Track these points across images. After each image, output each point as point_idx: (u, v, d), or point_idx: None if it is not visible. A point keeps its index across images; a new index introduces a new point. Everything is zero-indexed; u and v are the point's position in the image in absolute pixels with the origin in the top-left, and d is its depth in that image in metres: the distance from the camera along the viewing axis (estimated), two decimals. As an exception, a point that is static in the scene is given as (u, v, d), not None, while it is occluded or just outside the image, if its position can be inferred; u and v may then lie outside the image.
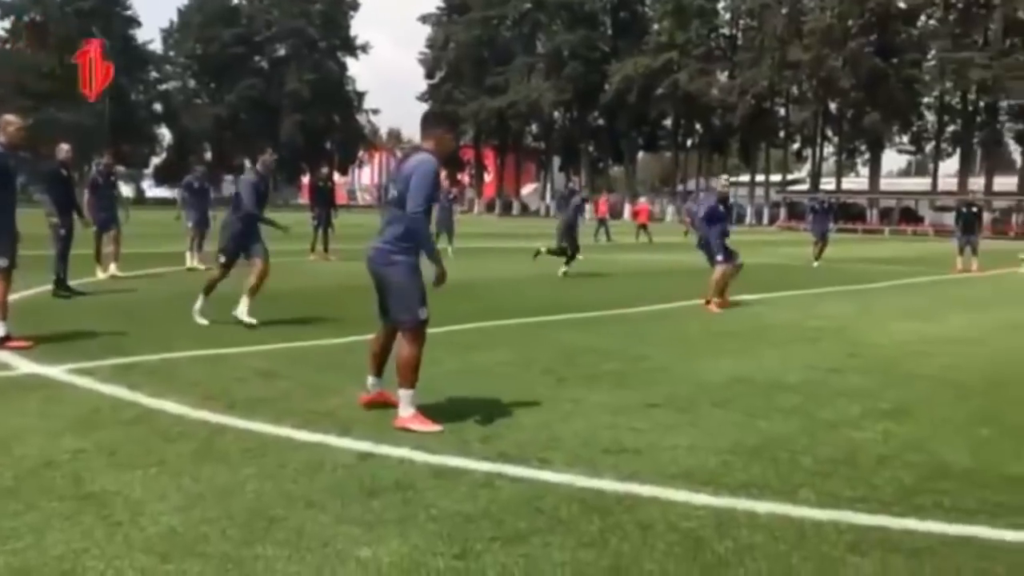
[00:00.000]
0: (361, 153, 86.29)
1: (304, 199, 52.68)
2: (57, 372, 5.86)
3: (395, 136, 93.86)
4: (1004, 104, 57.25)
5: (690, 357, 7.26)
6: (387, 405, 4.89)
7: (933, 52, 57.29)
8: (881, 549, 3.19)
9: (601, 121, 72.25)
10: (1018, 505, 3.72)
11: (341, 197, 74.47)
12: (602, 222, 30.21)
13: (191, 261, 14.50)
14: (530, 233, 34.25)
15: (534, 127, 76.78)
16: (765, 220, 60.45)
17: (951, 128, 60.57)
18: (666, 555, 3.10)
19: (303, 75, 75.74)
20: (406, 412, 4.68)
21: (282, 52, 79.78)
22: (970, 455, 4.45)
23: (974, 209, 19.72)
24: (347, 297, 10.23)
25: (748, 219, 60.92)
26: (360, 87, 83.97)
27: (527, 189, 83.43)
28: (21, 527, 3.19)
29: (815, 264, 19.08)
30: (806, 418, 5.18)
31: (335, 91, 78.58)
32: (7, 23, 67.82)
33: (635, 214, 34.82)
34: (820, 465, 4.22)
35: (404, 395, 4.70)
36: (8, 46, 65.63)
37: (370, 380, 5.05)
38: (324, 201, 18.33)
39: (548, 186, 76.79)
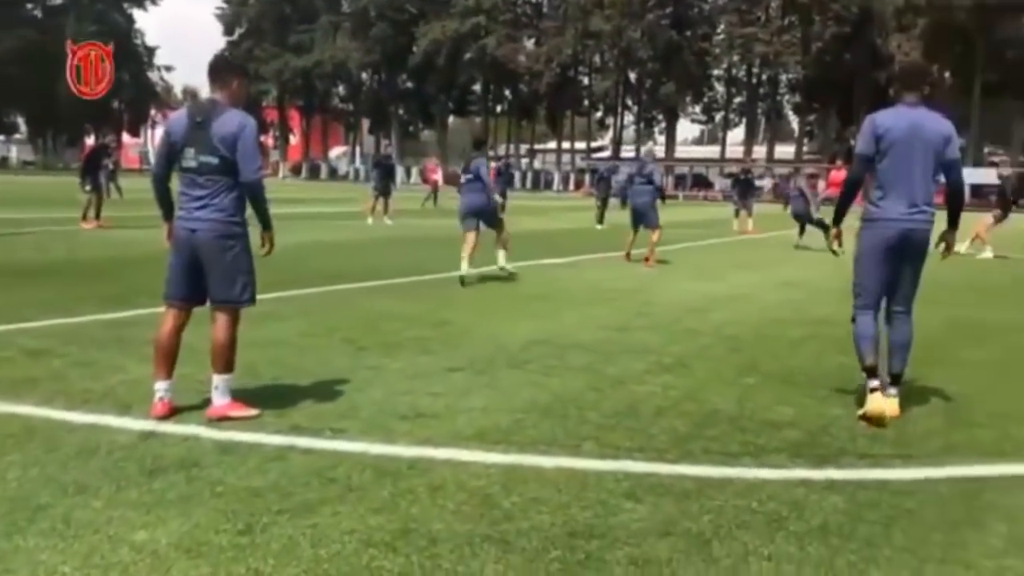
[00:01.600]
0: (154, 112, 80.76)
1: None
2: None
3: (191, 94, 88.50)
4: (784, 78, 62.10)
5: (492, 321, 7.42)
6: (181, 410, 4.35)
7: (722, 27, 61.06)
8: (654, 494, 3.43)
9: (410, 84, 71.62)
10: (774, 446, 4.10)
11: (132, 160, 69.66)
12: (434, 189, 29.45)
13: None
14: (338, 198, 33.55)
15: (341, 88, 74.96)
16: (571, 186, 62.47)
17: (738, 99, 64.96)
18: (454, 514, 3.18)
19: (84, 26, 69.55)
20: (222, 400, 4.27)
21: (58, 0, 72.86)
22: (736, 403, 4.86)
23: (749, 176, 21.43)
24: (127, 269, 9.63)
25: (556, 185, 62.72)
26: (150, 42, 78.40)
27: (335, 152, 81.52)
28: None
29: (598, 227, 20.31)
30: (595, 375, 5.45)
31: (122, 45, 72.74)
32: None
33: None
34: (604, 419, 4.46)
35: (223, 381, 4.27)
36: None
37: (162, 386, 4.25)
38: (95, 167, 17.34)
39: (358, 149, 75.42)
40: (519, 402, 4.73)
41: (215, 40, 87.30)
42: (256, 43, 71.44)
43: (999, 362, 6.33)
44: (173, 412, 4.25)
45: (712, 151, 68.83)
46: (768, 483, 3.60)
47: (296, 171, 73.95)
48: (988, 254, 15.01)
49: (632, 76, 64.62)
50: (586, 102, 67.79)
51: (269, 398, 4.62)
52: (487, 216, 10.19)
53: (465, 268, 9.55)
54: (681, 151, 69.55)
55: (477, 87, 69.99)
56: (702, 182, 60.80)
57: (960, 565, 2.87)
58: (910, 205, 4.62)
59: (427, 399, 4.73)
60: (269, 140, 76.81)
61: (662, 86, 61.38)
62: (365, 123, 75.14)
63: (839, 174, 19.33)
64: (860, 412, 4.54)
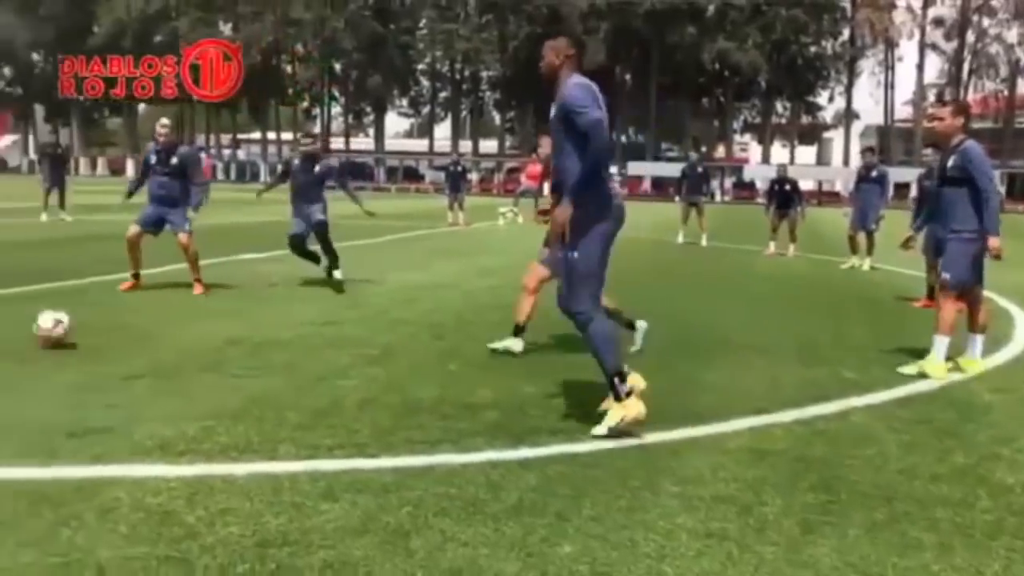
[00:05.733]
0: None
1: None
2: None
3: None
4: (485, 74, 64.54)
5: (178, 323, 6.86)
6: None
7: (424, 22, 62.15)
8: (352, 491, 3.31)
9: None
10: (474, 430, 4.15)
11: None
12: None
13: None
14: (4, 193, 29.72)
15: (6, 70, 66.41)
16: (278, 178, 60.37)
17: (443, 94, 66.51)
18: (127, 538, 2.84)
19: None
20: None
21: None
22: (439, 389, 4.88)
23: (459, 168, 21.95)
24: None
25: (263, 176, 60.32)
26: None
27: (5, 141, 72.21)
28: None
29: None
30: (296, 373, 5.22)
31: None
32: None
33: None
34: (304, 418, 4.27)
35: None
36: None
37: None
38: None
39: (31, 138, 67.34)
40: (209, 408, 4.39)
41: None
42: None
43: (674, 336, 6.95)
44: None
45: (421, 144, 69.91)
46: (467, 467, 3.63)
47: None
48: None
49: (338, 67, 63.77)
50: (291, 91, 65.82)
51: None
52: None
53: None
54: (391, 144, 69.91)
55: (171, 71, 65.26)
56: (413, 175, 61.60)
57: (640, 528, 3.06)
58: None
59: (100, 412, 4.24)
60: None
61: (369, 78, 61.21)
62: (40, 110, 67.17)
63: (535, 168, 20.30)
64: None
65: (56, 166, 18.74)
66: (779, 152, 60.94)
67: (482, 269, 11.29)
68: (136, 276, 8.41)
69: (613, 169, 5.49)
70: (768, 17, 56.57)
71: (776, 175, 16.37)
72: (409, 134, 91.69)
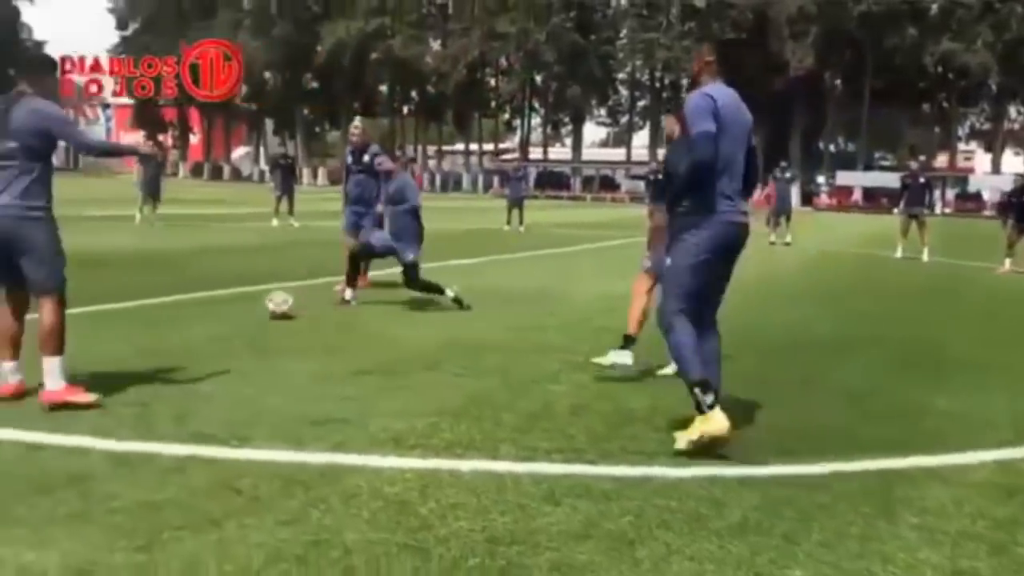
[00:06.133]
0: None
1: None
2: None
3: (80, 91, 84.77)
4: (685, 82, 63.61)
5: (399, 323, 7.27)
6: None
7: (624, 32, 62.16)
8: (573, 495, 3.37)
9: (316, 84, 70.30)
10: (690, 443, 4.10)
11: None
12: None
13: None
14: (239, 199, 32.63)
15: (243, 87, 72.91)
16: (480, 188, 62.45)
17: (642, 102, 66.19)
18: (369, 523, 3.04)
19: (-36, 18, 65.84)
20: (56, 384, 4.26)
21: (-63, -10, 68.73)
22: (650, 399, 4.86)
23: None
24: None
25: (465, 186, 62.73)
26: (38, 36, 74.52)
27: (238, 152, 79.35)
28: None
29: (521, 229, 20.16)
30: (508, 376, 5.37)
31: (6, 40, 69.12)
32: None
33: None
34: (520, 420, 4.38)
35: (52, 364, 4.28)
36: None
37: (7, 367, 4.44)
38: None
39: (261, 150, 73.62)
40: (433, 405, 4.61)
41: (108, 35, 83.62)
42: (153, 38, 68.85)
43: (897, 358, 6.55)
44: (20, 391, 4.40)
45: (618, 153, 69.92)
46: (685, 481, 3.58)
47: (197, 172, 71.60)
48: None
49: (538, 78, 65.13)
50: (493, 104, 67.97)
51: (169, 405, 4.38)
52: None
53: None
54: (588, 153, 70.47)
55: (384, 88, 69.24)
56: (609, 184, 61.71)
57: (877, 559, 2.91)
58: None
59: (338, 403, 4.57)
60: (168, 139, 74.15)
61: (568, 89, 62.04)
62: (269, 123, 73.34)
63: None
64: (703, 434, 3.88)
65: (286, 175, 20.32)
66: (1012, 161, 55.80)
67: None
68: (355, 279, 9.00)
69: (730, 188, 4.85)
70: (1001, 15, 51.91)
71: (1014, 186, 15.01)
72: (605, 143, 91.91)
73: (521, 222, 20.63)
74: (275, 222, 19.32)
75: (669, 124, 5.65)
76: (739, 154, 4.14)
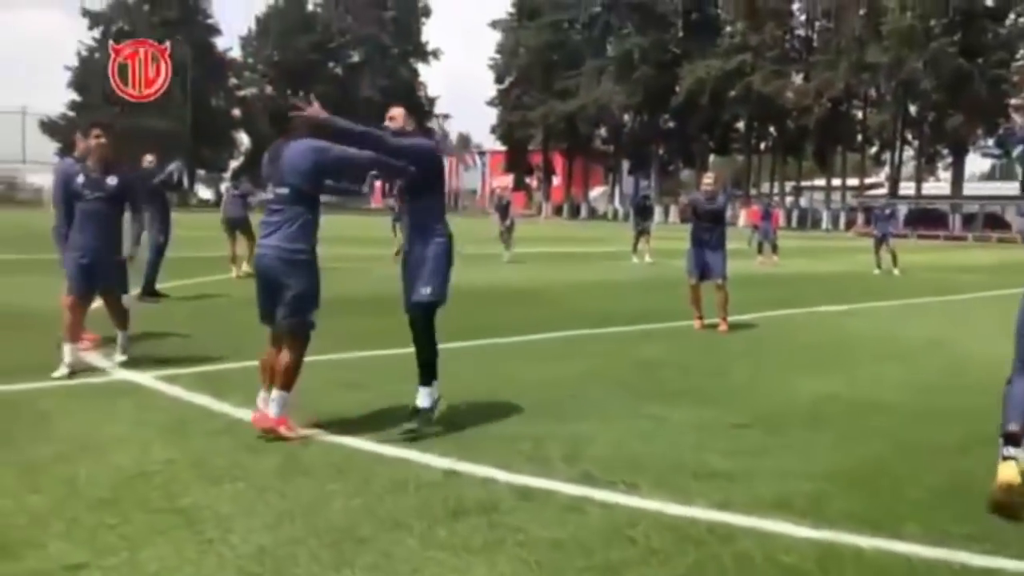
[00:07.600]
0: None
1: (377, 203, 53.33)
2: (146, 379, 5.96)
3: (464, 141, 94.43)
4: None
5: (773, 372, 7.04)
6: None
7: (1022, 52, 55.14)
8: (1000, 593, 2.99)
9: (672, 124, 71.46)
10: None
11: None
12: (755, 229, 24.92)
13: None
14: (598, 237, 34.02)
15: (603, 130, 76.37)
16: (841, 226, 58.92)
17: (1040, 130, 58.16)
18: (770, 592, 2.96)
19: (376, 81, 76.85)
20: (276, 413, 4.59)
21: (356, 58, 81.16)
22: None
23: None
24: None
25: (824, 224, 59.59)
26: (431, 92, 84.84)
27: (595, 192, 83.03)
28: (117, 541, 3.22)
29: (895, 271, 18.63)
30: (903, 442, 4.94)
31: (407, 96, 79.42)
32: (96, 32, 70.33)
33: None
34: (924, 496, 4.00)
35: (279, 397, 4.62)
36: (97, 55, 68.04)
37: (265, 396, 4.76)
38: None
39: (617, 189, 76.33)
40: (820, 468, 4.38)
41: (487, 89, 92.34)
42: (524, 90, 74.87)
43: None
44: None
45: (1007, 187, 61.95)
46: None
47: (558, 211, 76.22)
48: None
49: (912, 108, 60.03)
50: (859, 137, 63.91)
51: (558, 442, 4.64)
52: None
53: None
54: (969, 187, 63.34)
55: (740, 125, 68.37)
56: (996, 222, 54.84)
57: None
58: None
59: (717, 457, 4.52)
60: (533, 182, 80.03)
61: (948, 118, 56.37)
62: (625, 163, 75.93)
63: None
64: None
65: (643, 215, 21.22)
66: None
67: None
68: (700, 318, 9.21)
69: None
70: None
71: None
72: (989, 176, 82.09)
73: (895, 263, 19.08)
74: (634, 260, 19.98)
75: None
76: None
